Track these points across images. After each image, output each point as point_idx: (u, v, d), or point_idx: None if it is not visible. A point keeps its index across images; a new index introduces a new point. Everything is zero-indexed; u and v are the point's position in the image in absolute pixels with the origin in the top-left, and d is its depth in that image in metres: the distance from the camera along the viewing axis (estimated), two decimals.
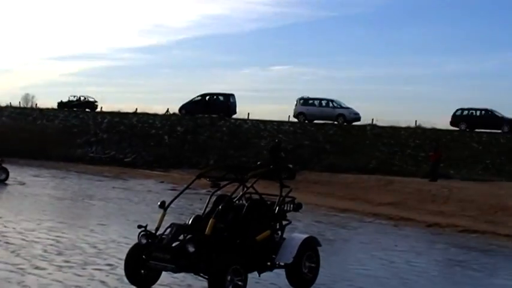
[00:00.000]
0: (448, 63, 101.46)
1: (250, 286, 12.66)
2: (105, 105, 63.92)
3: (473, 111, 49.83)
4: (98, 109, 63.50)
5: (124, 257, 12.94)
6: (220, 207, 12.59)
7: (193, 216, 13.09)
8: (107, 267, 14.55)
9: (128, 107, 61.41)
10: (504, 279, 16.54)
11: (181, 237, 12.35)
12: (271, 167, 16.83)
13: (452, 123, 49.69)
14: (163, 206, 13.01)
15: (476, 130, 48.14)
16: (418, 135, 47.63)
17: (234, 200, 13.52)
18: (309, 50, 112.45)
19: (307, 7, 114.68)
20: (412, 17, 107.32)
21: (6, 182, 31.89)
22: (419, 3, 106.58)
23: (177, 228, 12.39)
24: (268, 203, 13.62)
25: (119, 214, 24.19)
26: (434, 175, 36.09)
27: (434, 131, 49.31)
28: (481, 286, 15.32)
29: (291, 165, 38.06)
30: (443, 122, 51.42)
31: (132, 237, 16.81)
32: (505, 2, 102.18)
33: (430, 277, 16.18)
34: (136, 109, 60.47)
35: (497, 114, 48.96)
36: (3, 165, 32.51)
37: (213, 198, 13.67)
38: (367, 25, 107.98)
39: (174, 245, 12.09)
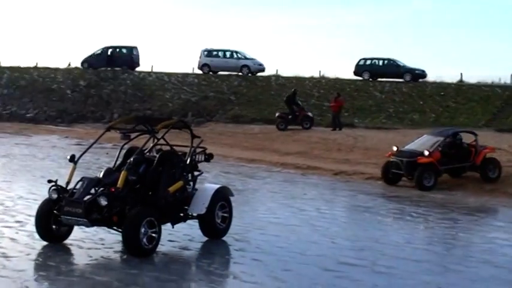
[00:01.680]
0: (349, 14, 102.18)
1: (164, 238, 12.65)
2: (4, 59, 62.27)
3: (376, 61, 50.33)
4: None
5: (33, 213, 12.73)
6: (131, 159, 12.47)
7: (105, 169, 12.93)
8: (16, 224, 14.31)
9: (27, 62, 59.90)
10: (411, 222, 17.00)
11: (92, 190, 12.21)
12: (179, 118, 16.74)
13: (355, 73, 50.15)
14: (73, 159, 12.81)
15: (379, 79, 48.79)
16: (322, 85, 48.01)
17: (145, 152, 13.40)
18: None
19: None
20: None
21: None
22: None
23: (89, 182, 12.23)
24: (180, 153, 13.57)
25: (24, 170, 23.71)
26: (337, 124, 36.45)
27: (338, 80, 49.80)
28: (391, 230, 15.69)
29: (310, 113, 37.94)
30: (346, 72, 51.91)
31: (40, 193, 16.65)
32: None
33: (341, 223, 16.48)
34: (36, 63, 59.08)
35: (399, 63, 49.66)
36: None
37: (124, 151, 13.53)
38: None
39: (85, 199, 11.94)
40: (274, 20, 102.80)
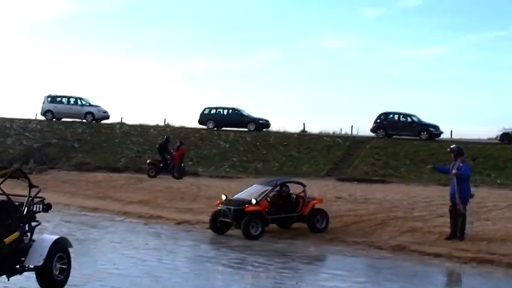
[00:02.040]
0: (194, 62, 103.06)
1: None
2: None
3: (221, 110, 51.02)
4: None
5: None
6: None
7: None
8: None
9: None
10: (252, 271, 17.15)
11: None
12: (15, 166, 16.32)
13: (200, 122, 50.58)
14: None
15: (224, 128, 49.36)
16: (167, 133, 48.01)
17: None
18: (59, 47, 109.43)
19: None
20: (156, 16, 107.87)
21: None
22: (166, 3, 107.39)
23: None
24: (16, 203, 13.20)
25: None
26: (179, 173, 36.46)
27: (183, 129, 50.04)
28: (232, 281, 15.76)
29: (183, 164, 37.19)
30: (191, 120, 52.32)
31: None
32: (255, 5, 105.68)
33: (182, 274, 16.40)
34: None
35: (243, 113, 50.49)
36: None
37: None
38: (116, 22, 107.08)
39: None
40: (119, 66, 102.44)
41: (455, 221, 20.05)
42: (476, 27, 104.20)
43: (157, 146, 38.59)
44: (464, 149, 21.57)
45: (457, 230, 20.00)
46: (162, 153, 37.22)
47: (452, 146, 20.81)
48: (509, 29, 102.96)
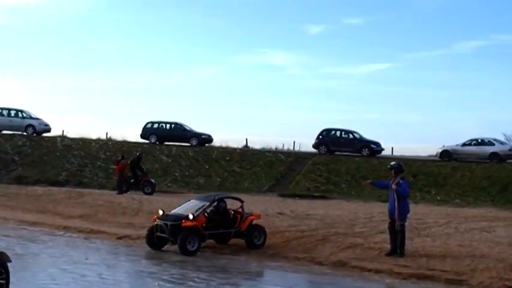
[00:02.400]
0: (137, 76, 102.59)
1: None
2: None
3: (163, 125, 50.80)
4: None
5: None
6: None
7: None
8: None
9: None
10: (193, 287, 17.07)
11: None
12: None
13: (142, 136, 50.32)
14: None
15: (166, 143, 49.20)
16: (108, 147, 47.76)
17: None
18: None
19: None
20: (98, 29, 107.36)
21: None
22: (108, 16, 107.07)
23: None
24: None
25: None
26: (120, 187, 36.29)
27: (125, 143, 49.73)
28: None
29: (152, 180, 36.88)
30: (134, 134, 51.88)
31: None
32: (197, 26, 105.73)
33: None
34: None
35: (186, 127, 50.37)
36: None
37: None
38: (59, 35, 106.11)
39: None
40: (60, 80, 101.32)
41: (395, 237, 20.23)
42: (417, 46, 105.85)
43: (128, 162, 38.45)
44: (404, 166, 21.81)
45: (397, 246, 20.19)
46: (133, 169, 37.05)
47: (392, 163, 20.96)
48: (449, 47, 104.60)
